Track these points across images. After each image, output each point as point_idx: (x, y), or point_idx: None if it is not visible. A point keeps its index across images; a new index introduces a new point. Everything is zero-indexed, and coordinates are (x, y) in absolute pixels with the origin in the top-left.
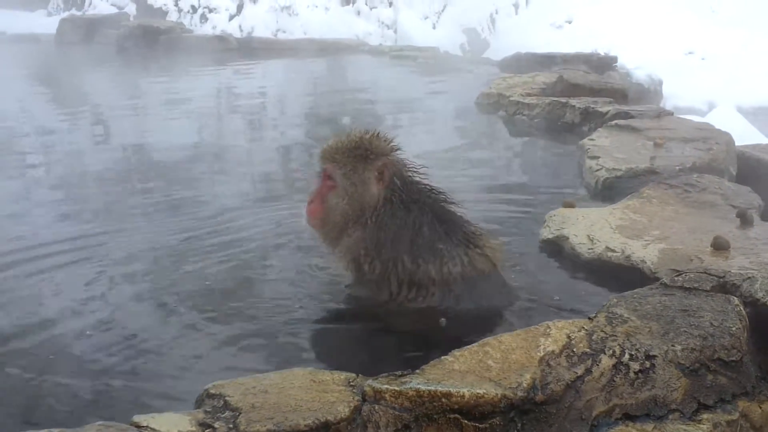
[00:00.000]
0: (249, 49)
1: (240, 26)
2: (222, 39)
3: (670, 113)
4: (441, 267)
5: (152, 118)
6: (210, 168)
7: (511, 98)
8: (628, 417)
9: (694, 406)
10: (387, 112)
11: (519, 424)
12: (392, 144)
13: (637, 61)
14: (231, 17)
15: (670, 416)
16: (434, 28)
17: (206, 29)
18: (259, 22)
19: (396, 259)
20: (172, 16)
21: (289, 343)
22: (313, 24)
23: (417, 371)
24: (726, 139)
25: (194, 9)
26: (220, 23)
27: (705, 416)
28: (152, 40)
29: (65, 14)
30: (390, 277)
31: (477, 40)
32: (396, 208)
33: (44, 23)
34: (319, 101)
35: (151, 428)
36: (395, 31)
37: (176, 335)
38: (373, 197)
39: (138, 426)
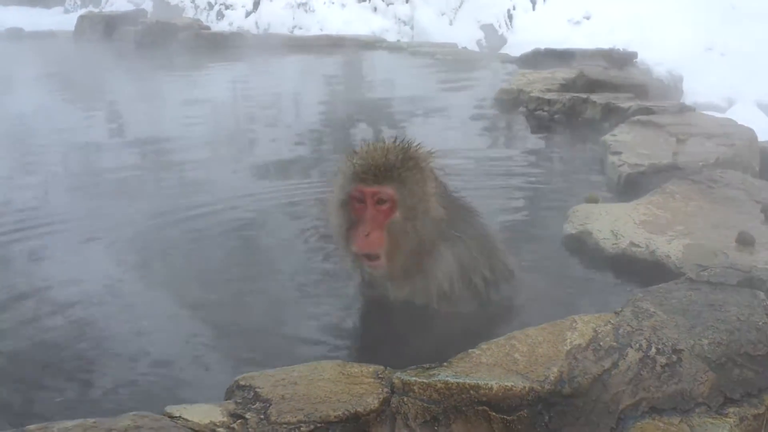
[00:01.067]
0: (266, 45)
1: (256, 23)
2: (239, 35)
3: (692, 109)
4: (510, 260)
5: (172, 112)
6: (224, 158)
7: (531, 94)
8: (655, 410)
9: (720, 399)
10: (408, 108)
11: (546, 417)
12: (429, 150)
13: (656, 57)
14: (247, 14)
15: (697, 410)
16: (451, 24)
17: (223, 26)
18: (275, 19)
19: (493, 262)
20: (189, 13)
21: (315, 336)
22: (330, 20)
23: (444, 364)
24: (749, 134)
25: (210, 5)
26: (236, 20)
27: (731, 410)
28: (170, 37)
29: (83, 11)
30: (489, 283)
31: (494, 36)
32: (459, 214)
33: (61, 20)
34: (341, 97)
35: (183, 418)
36: (412, 28)
37: (197, 326)
38: (437, 209)
39: (171, 416)
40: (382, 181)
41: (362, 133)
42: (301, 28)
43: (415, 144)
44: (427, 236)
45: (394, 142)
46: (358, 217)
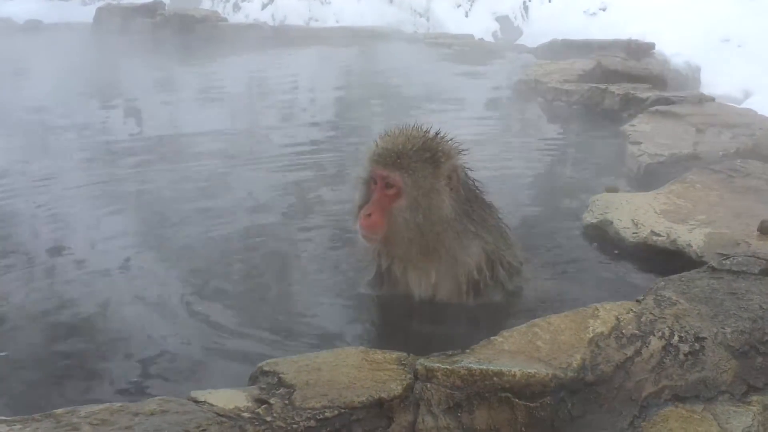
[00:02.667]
0: (284, 37)
1: (272, 15)
2: (257, 27)
3: (712, 99)
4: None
5: (193, 103)
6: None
7: (549, 85)
8: (678, 398)
9: (743, 387)
10: (426, 99)
11: (569, 404)
12: (456, 145)
13: (674, 48)
14: (264, 6)
15: (720, 398)
16: (466, 16)
17: (239, 18)
18: (291, 11)
19: (511, 254)
20: (206, 5)
21: (336, 323)
22: (346, 12)
23: (467, 351)
24: None
25: None
26: (252, 12)
27: (754, 398)
28: (188, 29)
29: (101, 3)
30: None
31: (510, 28)
32: (482, 211)
33: (79, 12)
34: (360, 88)
35: (209, 403)
36: (427, 19)
37: (216, 314)
38: (445, 205)
39: (196, 401)
40: (391, 166)
41: (379, 124)
42: (317, 20)
43: (443, 137)
44: (430, 230)
45: (425, 131)
46: (369, 198)
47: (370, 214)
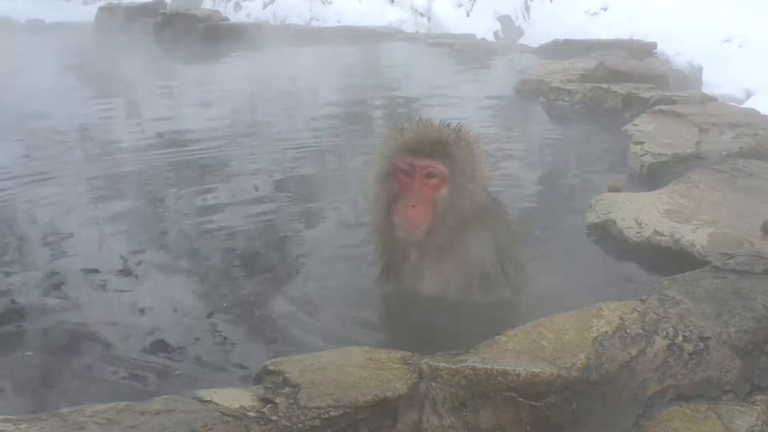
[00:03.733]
0: (285, 37)
1: (274, 14)
2: (258, 27)
3: (714, 99)
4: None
5: (194, 102)
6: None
7: (552, 84)
8: (682, 397)
9: (747, 387)
10: (427, 98)
11: (574, 404)
12: (477, 137)
13: (676, 48)
14: (265, 5)
15: (724, 397)
16: (468, 15)
17: (241, 17)
18: (292, 11)
19: (518, 250)
20: (207, 4)
21: (341, 322)
22: (347, 12)
23: (472, 350)
24: None
25: None
26: (254, 11)
27: (759, 397)
28: (190, 28)
29: (102, 3)
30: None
31: (511, 28)
32: (493, 205)
33: (81, 12)
34: (363, 87)
35: (214, 402)
36: (429, 19)
37: (221, 314)
38: (481, 193)
39: (202, 400)
40: (435, 155)
41: (385, 122)
42: (318, 20)
43: (467, 130)
44: (467, 216)
45: (447, 123)
46: (402, 190)
47: (414, 206)
